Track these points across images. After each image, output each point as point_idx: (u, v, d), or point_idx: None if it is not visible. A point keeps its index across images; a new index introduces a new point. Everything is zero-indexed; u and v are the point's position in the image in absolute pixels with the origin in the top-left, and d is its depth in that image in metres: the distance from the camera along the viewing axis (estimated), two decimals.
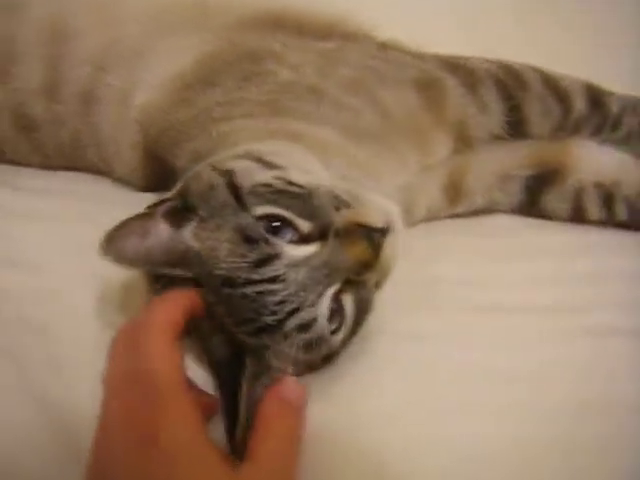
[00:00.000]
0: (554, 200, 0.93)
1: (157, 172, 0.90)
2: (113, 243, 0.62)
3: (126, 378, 0.58)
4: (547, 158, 0.93)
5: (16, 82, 0.95)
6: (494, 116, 0.90)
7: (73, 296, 0.79)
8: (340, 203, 0.67)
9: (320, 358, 0.67)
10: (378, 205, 0.70)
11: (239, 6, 0.94)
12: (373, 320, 0.72)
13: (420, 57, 0.92)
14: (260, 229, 0.65)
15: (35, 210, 0.92)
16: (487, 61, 0.94)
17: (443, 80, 0.89)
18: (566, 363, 0.72)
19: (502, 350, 0.74)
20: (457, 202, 0.93)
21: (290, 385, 0.63)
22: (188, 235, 0.66)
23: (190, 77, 0.87)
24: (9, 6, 0.96)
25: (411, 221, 0.90)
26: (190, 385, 0.63)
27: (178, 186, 0.72)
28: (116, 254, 0.63)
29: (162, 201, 0.68)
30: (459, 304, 0.80)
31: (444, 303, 0.80)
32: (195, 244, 0.66)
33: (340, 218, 0.66)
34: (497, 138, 0.92)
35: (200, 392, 0.67)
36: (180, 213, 0.67)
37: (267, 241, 0.64)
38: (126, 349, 0.60)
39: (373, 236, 0.66)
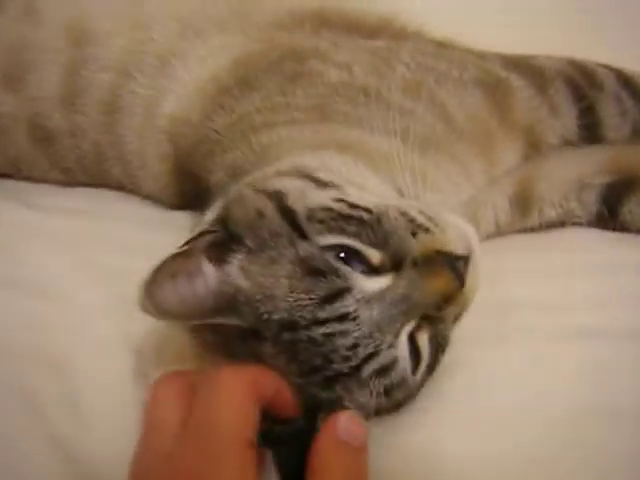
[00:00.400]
0: (635, 210, 0.82)
1: (189, 189, 0.81)
2: (153, 294, 0.53)
3: (183, 424, 0.51)
4: (625, 164, 0.83)
5: (31, 90, 0.87)
6: (566, 119, 0.82)
7: (94, 328, 0.71)
8: (416, 227, 0.59)
9: (397, 402, 0.59)
10: (457, 228, 0.61)
11: (278, 4, 0.86)
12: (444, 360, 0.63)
13: (481, 56, 0.84)
14: (328, 259, 0.56)
15: (52, 230, 0.83)
16: (555, 59, 0.85)
17: (509, 80, 0.80)
18: None
19: (597, 382, 0.64)
20: (528, 214, 0.83)
21: (347, 419, 0.54)
22: (235, 272, 0.57)
23: (226, 80, 0.78)
24: (24, 10, 0.89)
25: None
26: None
27: (216, 210, 0.63)
28: (157, 307, 0.53)
29: (201, 234, 0.58)
30: (537, 331, 0.70)
31: (519, 331, 0.70)
32: (245, 283, 0.56)
33: (418, 245, 0.58)
34: (569, 144, 0.83)
35: None
36: (222, 245, 0.58)
37: (337, 273, 0.55)
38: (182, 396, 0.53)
39: (457, 265, 0.57)
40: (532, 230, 0.84)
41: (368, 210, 0.59)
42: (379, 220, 0.58)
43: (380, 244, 0.58)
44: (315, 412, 0.57)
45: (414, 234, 0.58)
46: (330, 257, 0.56)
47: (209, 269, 0.57)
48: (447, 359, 0.64)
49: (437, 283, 0.57)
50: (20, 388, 0.65)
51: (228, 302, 0.56)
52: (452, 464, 0.59)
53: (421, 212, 0.60)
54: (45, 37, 0.86)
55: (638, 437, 0.59)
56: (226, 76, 0.78)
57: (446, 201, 0.71)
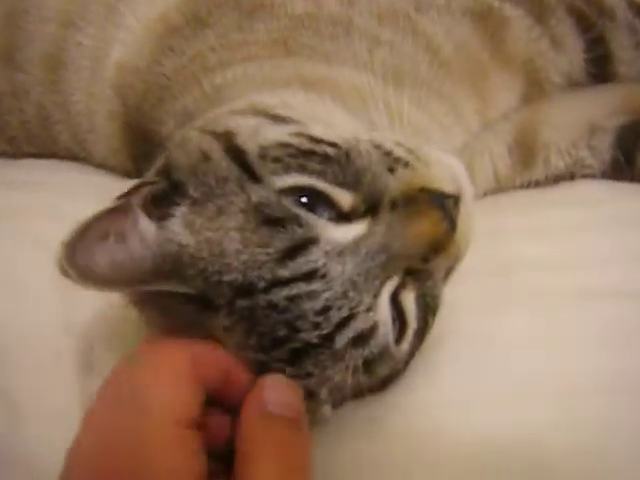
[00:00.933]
0: None
1: (142, 149, 0.72)
2: (76, 256, 0.44)
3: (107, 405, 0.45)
4: None
5: None
6: (571, 53, 0.72)
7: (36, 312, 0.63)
8: (394, 162, 0.50)
9: (381, 379, 0.50)
10: (444, 162, 0.52)
11: None
12: (439, 325, 0.55)
13: None
14: (286, 204, 0.46)
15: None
16: None
17: (503, 9, 0.71)
18: None
19: (610, 347, 0.55)
20: (531, 165, 0.72)
21: (275, 384, 0.46)
22: (178, 227, 0.48)
23: (176, 19, 0.69)
24: None
25: (475, 194, 0.70)
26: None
27: (159, 162, 0.53)
28: (82, 272, 0.44)
29: (137, 186, 0.49)
30: (545, 293, 0.60)
31: (525, 294, 0.60)
32: (189, 239, 0.47)
33: (397, 183, 0.49)
34: (576, 84, 0.74)
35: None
36: (163, 198, 0.49)
37: (298, 220, 0.46)
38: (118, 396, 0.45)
39: (446, 204, 0.48)
40: (537, 184, 0.73)
41: (334, 145, 0.49)
42: (348, 155, 0.49)
43: (350, 184, 0.49)
44: None
45: (392, 170, 0.50)
46: (289, 202, 0.47)
47: (147, 225, 0.47)
48: (441, 327, 0.55)
49: (422, 226, 0.48)
50: None
51: (171, 264, 0.47)
52: (449, 446, 0.51)
53: (399, 144, 0.52)
54: None
55: None
56: (175, 14, 0.69)
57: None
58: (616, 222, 0.66)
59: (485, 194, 0.73)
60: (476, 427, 0.52)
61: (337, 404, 0.51)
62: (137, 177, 0.74)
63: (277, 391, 0.46)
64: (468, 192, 0.52)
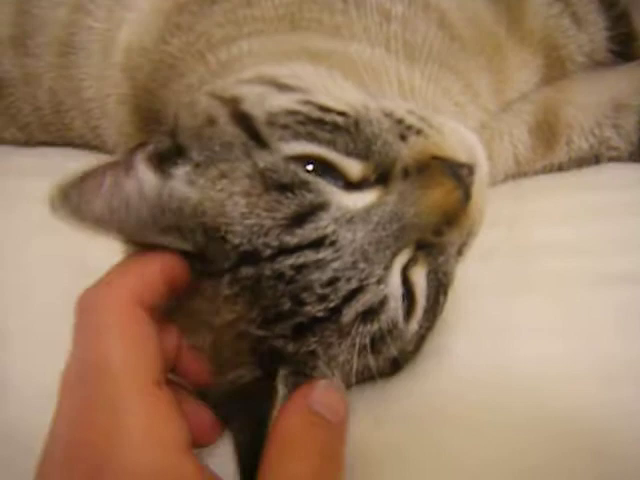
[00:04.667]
0: None
1: (153, 133, 0.69)
2: (70, 196, 0.43)
3: (77, 374, 0.42)
4: None
5: None
6: (594, 30, 0.70)
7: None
8: (406, 130, 0.48)
9: (390, 361, 0.47)
10: (457, 132, 0.49)
11: None
12: (452, 305, 0.52)
13: None
14: (295, 169, 0.45)
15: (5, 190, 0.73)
16: None
17: None
18: None
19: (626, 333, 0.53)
20: (554, 146, 0.69)
21: (324, 388, 0.45)
22: (179, 184, 0.46)
23: None
24: None
25: (494, 177, 0.68)
26: (172, 388, 0.44)
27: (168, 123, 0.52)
28: (73, 210, 0.43)
29: (142, 143, 0.47)
30: (565, 277, 0.57)
31: (545, 278, 0.58)
32: (192, 194, 0.45)
33: (409, 151, 0.47)
34: (600, 62, 0.70)
35: (191, 402, 0.47)
36: (166, 158, 0.47)
37: (308, 186, 0.44)
38: (81, 330, 0.43)
39: (460, 172, 0.46)
40: (560, 168, 0.70)
41: (343, 113, 0.48)
42: (357, 123, 0.48)
43: (361, 153, 0.47)
44: (274, 371, 0.45)
45: (403, 138, 0.48)
46: (298, 168, 0.45)
47: (147, 177, 0.46)
48: (457, 308, 0.53)
49: (436, 195, 0.46)
50: None
51: (170, 218, 0.45)
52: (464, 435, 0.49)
53: (411, 112, 0.49)
54: None
55: None
56: None
57: None
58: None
59: (506, 178, 0.69)
60: (486, 412, 0.49)
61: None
62: None
63: (327, 394, 0.45)
64: (483, 163, 0.50)
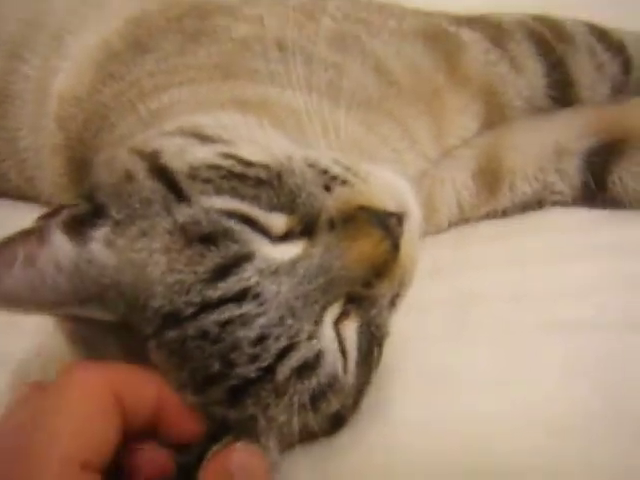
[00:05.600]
0: (625, 179, 0.66)
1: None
2: None
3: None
4: (610, 123, 0.69)
5: None
6: (531, 76, 0.71)
7: None
8: (330, 180, 0.47)
9: (331, 416, 0.46)
10: (385, 179, 0.48)
11: None
12: (393, 358, 0.52)
13: (425, 13, 0.73)
14: (218, 218, 0.43)
15: None
16: (515, 13, 0.74)
17: (459, 35, 0.70)
18: None
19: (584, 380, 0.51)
20: (497, 192, 0.68)
21: (241, 453, 0.42)
22: (98, 248, 0.44)
23: (117, 44, 0.67)
24: None
25: (438, 225, 0.68)
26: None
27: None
28: None
29: (56, 209, 0.45)
30: (510, 325, 0.56)
31: (485, 327, 0.57)
32: (111, 260, 0.43)
33: (335, 202, 0.46)
34: (539, 110, 0.71)
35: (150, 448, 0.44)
36: (84, 221, 0.45)
37: (232, 235, 0.43)
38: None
39: (388, 222, 0.45)
40: (504, 214, 0.69)
41: (266, 166, 0.46)
42: (280, 176, 0.46)
43: (285, 206, 0.46)
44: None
45: (328, 188, 0.46)
46: (221, 217, 0.43)
47: (63, 246, 0.44)
48: (396, 358, 0.52)
49: (362, 246, 0.44)
50: None
51: (89, 287, 0.43)
52: None
53: (335, 161, 0.48)
54: None
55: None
56: (117, 39, 0.67)
57: None
58: (582, 252, 0.62)
59: (449, 225, 0.69)
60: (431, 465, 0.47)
61: (284, 448, 0.46)
62: None
63: (245, 457, 0.42)
64: (414, 211, 0.48)
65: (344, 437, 0.49)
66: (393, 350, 0.52)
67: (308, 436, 0.46)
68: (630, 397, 0.49)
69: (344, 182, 0.47)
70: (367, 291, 0.46)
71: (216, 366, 0.42)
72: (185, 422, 0.43)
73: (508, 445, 0.48)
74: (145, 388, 0.43)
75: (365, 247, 0.44)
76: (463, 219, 0.69)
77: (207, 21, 0.65)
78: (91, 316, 0.43)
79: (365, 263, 0.44)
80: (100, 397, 0.40)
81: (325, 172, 0.47)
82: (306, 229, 0.45)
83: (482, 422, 0.49)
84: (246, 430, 0.43)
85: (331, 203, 0.46)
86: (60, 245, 0.43)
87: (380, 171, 0.49)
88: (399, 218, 0.46)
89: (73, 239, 0.44)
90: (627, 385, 0.49)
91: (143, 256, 0.43)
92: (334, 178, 0.47)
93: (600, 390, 0.49)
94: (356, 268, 0.44)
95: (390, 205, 0.46)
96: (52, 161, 0.71)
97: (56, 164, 0.71)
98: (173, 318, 0.42)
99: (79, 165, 0.68)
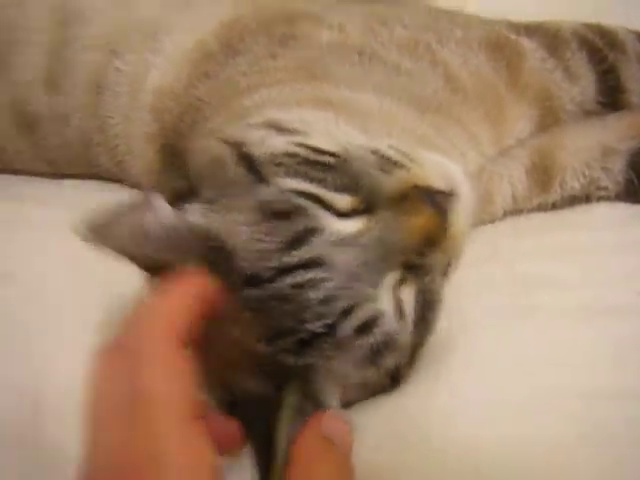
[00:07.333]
0: None
1: (177, 171, 0.75)
2: (97, 227, 0.49)
3: (116, 408, 0.44)
4: None
5: (15, 74, 0.83)
6: (584, 83, 0.76)
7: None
8: (388, 164, 0.54)
9: (388, 373, 0.52)
10: (438, 164, 0.55)
11: None
12: (453, 339, 0.59)
13: (488, 21, 0.78)
14: (289, 198, 0.51)
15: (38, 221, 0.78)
16: (570, 21, 0.79)
17: (518, 42, 0.74)
18: None
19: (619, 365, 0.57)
20: (549, 186, 0.75)
21: (333, 419, 0.49)
22: (194, 218, 0.52)
23: (211, 45, 0.73)
24: None
25: (494, 215, 0.75)
26: (204, 412, 0.47)
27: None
28: (101, 237, 0.49)
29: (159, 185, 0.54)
30: (555, 310, 0.62)
31: (541, 309, 0.63)
32: (203, 221, 0.51)
33: (393, 183, 0.52)
34: (589, 113, 0.77)
35: (218, 416, 0.51)
36: (183, 198, 0.54)
37: (303, 212, 0.50)
38: (117, 368, 0.45)
39: (438, 199, 0.52)
40: (554, 206, 0.76)
41: (334, 154, 0.54)
42: (346, 161, 0.53)
43: (350, 187, 0.52)
44: (282, 383, 0.50)
45: (388, 172, 0.53)
46: (292, 197, 0.51)
47: (166, 210, 0.52)
48: (449, 337, 0.58)
49: (416, 220, 0.51)
50: None
51: (187, 240, 0.51)
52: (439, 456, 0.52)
53: (395, 149, 0.55)
54: (30, 17, 0.83)
55: None
56: (212, 40, 0.73)
57: None
58: (624, 245, 0.69)
59: (504, 214, 0.75)
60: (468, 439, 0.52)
61: (345, 403, 0.53)
62: None
63: (335, 421, 0.49)
64: (463, 191, 0.55)
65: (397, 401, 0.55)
66: (449, 326, 0.58)
67: (368, 393, 0.53)
68: None
69: (402, 166, 0.53)
70: (421, 260, 0.52)
71: (287, 322, 0.49)
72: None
73: (544, 424, 0.52)
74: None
75: (417, 221, 0.51)
76: (517, 210, 0.75)
77: (293, 27, 0.71)
78: (187, 265, 0.50)
79: (418, 235, 0.51)
80: (171, 334, 0.45)
81: (385, 158, 0.54)
82: (368, 207, 0.52)
83: (520, 402, 0.54)
84: (303, 378, 0.50)
85: (389, 184, 0.52)
86: (162, 211, 0.52)
87: (434, 156, 0.56)
88: (449, 196, 0.53)
89: (174, 208, 0.52)
90: None
91: (230, 226, 0.50)
92: (393, 163, 0.54)
93: None
94: (410, 239, 0.51)
95: (439, 184, 0.53)
96: (145, 148, 0.78)
97: (149, 151, 0.78)
98: (254, 279, 0.49)
99: (171, 152, 0.75)
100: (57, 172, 0.87)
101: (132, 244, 0.50)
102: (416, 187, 0.52)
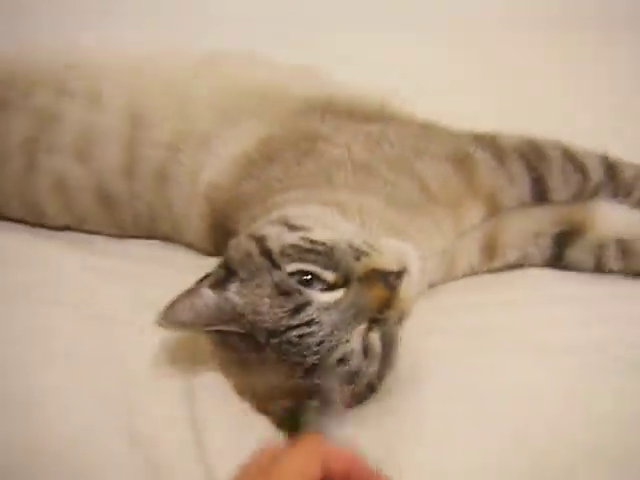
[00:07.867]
0: (578, 253, 1.01)
1: (222, 239, 0.96)
2: (166, 314, 0.72)
3: None
4: (570, 218, 1.03)
5: (97, 162, 1.08)
6: (522, 186, 1.00)
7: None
8: (359, 253, 0.75)
9: (363, 388, 0.74)
10: (393, 250, 0.77)
11: (293, 95, 1.07)
12: (416, 370, 0.79)
13: (455, 134, 1.02)
14: (292, 282, 0.73)
15: (113, 270, 1.01)
16: (513, 137, 1.03)
17: (475, 154, 0.98)
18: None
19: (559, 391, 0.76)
20: (494, 258, 1.02)
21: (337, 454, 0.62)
22: (232, 294, 0.74)
23: (254, 155, 0.99)
24: (89, 98, 1.11)
25: (455, 276, 1.01)
26: None
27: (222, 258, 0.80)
28: (169, 320, 0.72)
29: (206, 276, 0.77)
30: (505, 347, 0.83)
31: (490, 347, 0.84)
32: (240, 301, 0.73)
33: (359, 267, 0.74)
34: (523, 205, 1.02)
35: None
36: (223, 280, 0.76)
37: (300, 291, 0.72)
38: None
39: (389, 279, 0.74)
40: (498, 270, 1.04)
41: (324, 244, 0.75)
42: (332, 250, 0.75)
43: (334, 267, 0.74)
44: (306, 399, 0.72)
45: (358, 258, 0.75)
46: (294, 282, 0.73)
47: (209, 293, 0.74)
48: (418, 374, 0.79)
49: (374, 292, 0.73)
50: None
51: (228, 314, 0.73)
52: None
53: (364, 242, 0.77)
54: (109, 119, 1.07)
55: None
56: (254, 151, 0.98)
57: (421, 249, 0.84)
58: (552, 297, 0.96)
59: (464, 276, 1.02)
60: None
61: (347, 404, 0.74)
62: (214, 256, 1.03)
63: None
64: (412, 268, 0.76)
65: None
66: (412, 365, 0.78)
67: (356, 399, 0.74)
68: None
69: (367, 254, 0.75)
70: (381, 315, 0.74)
71: (297, 357, 0.71)
72: None
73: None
74: (339, 463, 0.59)
75: (375, 293, 0.73)
76: (472, 273, 1.03)
77: (314, 144, 0.96)
78: (229, 329, 0.73)
79: (377, 301, 0.73)
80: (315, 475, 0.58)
81: (355, 248, 0.75)
82: (345, 282, 0.73)
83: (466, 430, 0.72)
84: (318, 392, 0.71)
85: (358, 267, 0.74)
86: (207, 293, 0.74)
87: (395, 244, 0.78)
88: (398, 274, 0.74)
89: (216, 291, 0.74)
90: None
91: (257, 299, 0.72)
92: (362, 252, 0.75)
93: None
94: (372, 304, 0.73)
95: (393, 267, 0.74)
96: (199, 222, 1.04)
97: (201, 225, 1.04)
98: (274, 333, 0.71)
99: (218, 226, 1.01)
100: (124, 234, 1.14)
101: (190, 322, 0.73)
102: (374, 270, 0.74)
